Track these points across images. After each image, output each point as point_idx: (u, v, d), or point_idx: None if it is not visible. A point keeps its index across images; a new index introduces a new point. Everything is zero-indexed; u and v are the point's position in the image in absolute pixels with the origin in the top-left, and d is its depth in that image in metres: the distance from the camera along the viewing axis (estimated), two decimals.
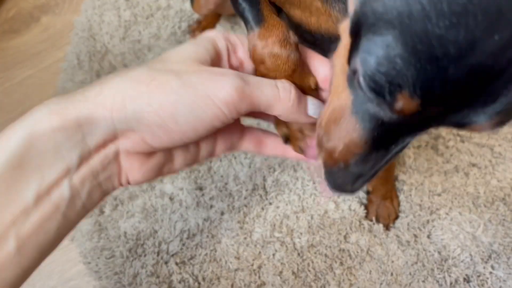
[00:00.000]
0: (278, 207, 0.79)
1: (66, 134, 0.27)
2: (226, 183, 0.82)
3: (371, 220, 0.77)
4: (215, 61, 0.33)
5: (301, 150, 0.39)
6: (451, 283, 0.71)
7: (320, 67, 0.36)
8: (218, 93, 0.29)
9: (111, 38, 1.01)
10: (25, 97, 1.01)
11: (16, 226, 0.26)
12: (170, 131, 0.29)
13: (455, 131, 0.83)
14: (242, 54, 0.36)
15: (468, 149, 0.82)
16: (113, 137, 0.29)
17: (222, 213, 0.79)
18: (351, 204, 0.78)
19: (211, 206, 0.80)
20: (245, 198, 0.80)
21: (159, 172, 0.34)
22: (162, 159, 0.34)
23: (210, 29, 1.01)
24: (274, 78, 0.34)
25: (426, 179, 0.80)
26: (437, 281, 0.71)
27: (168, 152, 0.34)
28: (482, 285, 0.71)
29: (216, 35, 0.34)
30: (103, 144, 0.29)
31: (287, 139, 0.40)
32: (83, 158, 0.28)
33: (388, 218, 0.77)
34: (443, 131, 0.84)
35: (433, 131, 0.84)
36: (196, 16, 1.04)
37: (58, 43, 1.07)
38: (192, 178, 0.83)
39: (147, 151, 0.31)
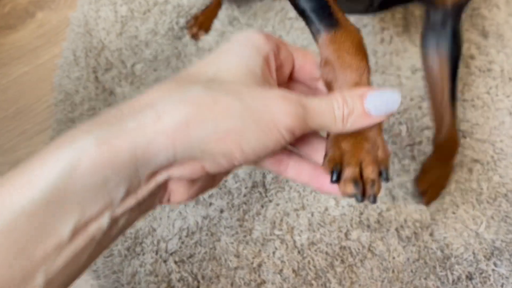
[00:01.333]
0: (278, 205, 0.78)
1: (117, 169, 0.24)
2: (225, 181, 0.81)
3: (421, 194, 0.73)
4: (265, 71, 0.30)
5: (354, 192, 0.30)
6: (453, 281, 0.70)
7: None
8: (283, 120, 0.26)
9: (107, 34, 1.00)
10: (20, 94, 1.00)
11: (47, 263, 0.23)
12: (234, 158, 0.27)
13: (457, 127, 0.82)
14: (283, 56, 0.33)
15: (470, 145, 0.81)
16: (169, 166, 0.26)
17: (222, 211, 0.78)
18: (350, 200, 0.77)
19: (210, 204, 0.79)
20: (244, 195, 0.79)
21: (202, 192, 0.32)
22: (209, 180, 0.31)
23: (207, 25, 0.99)
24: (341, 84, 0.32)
25: None
26: (439, 279, 0.71)
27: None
28: (485, 282, 0.70)
29: (261, 38, 0.30)
30: (156, 173, 0.26)
31: (339, 176, 0.31)
32: (131, 190, 0.26)
33: (430, 199, 0.74)
34: None
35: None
36: (193, 11, 1.02)
37: (54, 39, 1.06)
38: None
39: (199, 177, 0.29)
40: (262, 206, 0.78)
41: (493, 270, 0.71)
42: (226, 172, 0.33)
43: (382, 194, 0.78)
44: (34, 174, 0.23)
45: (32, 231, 0.23)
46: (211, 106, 0.25)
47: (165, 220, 0.78)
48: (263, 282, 0.73)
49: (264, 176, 0.81)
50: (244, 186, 0.80)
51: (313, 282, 0.72)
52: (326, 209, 0.77)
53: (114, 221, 0.26)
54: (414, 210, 0.76)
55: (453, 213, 0.75)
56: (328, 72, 0.34)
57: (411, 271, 0.72)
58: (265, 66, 0.30)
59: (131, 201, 0.26)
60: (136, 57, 0.96)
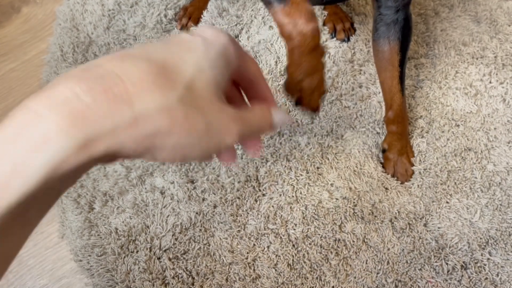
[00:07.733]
0: (271, 198, 0.77)
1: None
2: (218, 175, 0.80)
3: (392, 176, 0.78)
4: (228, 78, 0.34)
5: (312, 109, 0.50)
6: (448, 271, 0.70)
7: None
8: (227, 140, 0.31)
9: (95, 28, 0.98)
10: (9, 91, 0.98)
11: None
12: (173, 161, 0.30)
13: (449, 116, 0.82)
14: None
15: (463, 133, 0.80)
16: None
17: (215, 206, 0.78)
18: (344, 192, 0.77)
19: (203, 199, 0.78)
20: (237, 190, 0.78)
21: None
22: None
23: (196, 16, 0.98)
24: (300, 53, 0.45)
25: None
26: (434, 269, 0.71)
27: None
28: (480, 271, 0.70)
29: (231, 49, 0.32)
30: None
31: (298, 101, 0.51)
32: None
33: (406, 174, 0.77)
34: (437, 116, 0.82)
35: (428, 115, 0.82)
36: (181, 3, 1.00)
37: (40, 34, 1.04)
38: (183, 171, 0.81)
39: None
40: (256, 200, 0.78)
41: (488, 259, 0.71)
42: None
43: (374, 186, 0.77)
44: None
45: None
46: (181, 121, 0.28)
47: (158, 216, 0.77)
48: (258, 276, 0.72)
49: (257, 170, 0.80)
50: (237, 180, 0.79)
51: (308, 275, 0.72)
52: (320, 201, 0.76)
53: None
54: (408, 201, 0.75)
55: (447, 202, 0.75)
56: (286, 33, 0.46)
57: (406, 262, 0.71)
58: (228, 81, 0.33)
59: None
60: None
